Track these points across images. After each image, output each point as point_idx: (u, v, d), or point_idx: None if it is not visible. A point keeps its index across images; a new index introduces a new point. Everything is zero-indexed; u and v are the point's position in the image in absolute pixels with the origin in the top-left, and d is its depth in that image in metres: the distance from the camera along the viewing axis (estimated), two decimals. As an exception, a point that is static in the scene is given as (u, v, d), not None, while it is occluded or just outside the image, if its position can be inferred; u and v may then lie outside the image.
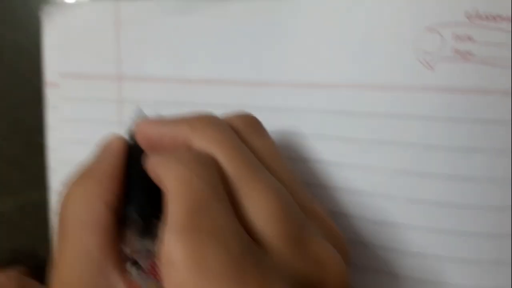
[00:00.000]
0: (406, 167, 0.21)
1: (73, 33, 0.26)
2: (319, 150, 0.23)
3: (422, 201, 0.21)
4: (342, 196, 0.23)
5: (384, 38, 0.21)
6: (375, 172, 0.22)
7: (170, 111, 0.25)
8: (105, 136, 0.21)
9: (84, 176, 0.18)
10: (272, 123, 0.23)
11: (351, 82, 0.22)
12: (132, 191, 0.18)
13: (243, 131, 0.18)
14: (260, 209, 0.15)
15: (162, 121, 0.18)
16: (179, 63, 0.25)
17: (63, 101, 0.26)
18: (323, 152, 0.23)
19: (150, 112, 0.25)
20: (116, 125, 0.26)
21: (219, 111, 0.24)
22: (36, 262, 0.29)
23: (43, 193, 0.27)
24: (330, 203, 0.23)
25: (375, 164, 0.22)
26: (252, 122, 0.19)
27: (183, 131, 0.17)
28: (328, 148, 0.23)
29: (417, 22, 0.20)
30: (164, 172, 0.16)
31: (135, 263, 0.17)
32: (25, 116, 0.29)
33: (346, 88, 0.22)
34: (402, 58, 0.21)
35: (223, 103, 0.24)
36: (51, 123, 0.27)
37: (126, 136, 0.21)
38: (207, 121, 0.18)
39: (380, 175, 0.22)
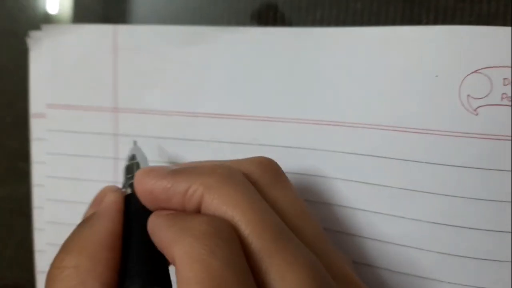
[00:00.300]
0: (440, 219, 0.19)
1: (64, 60, 0.23)
2: (344, 194, 0.20)
3: (456, 256, 0.19)
4: (367, 245, 0.20)
5: (424, 80, 0.19)
6: (405, 222, 0.19)
7: (172, 147, 0.22)
8: (99, 190, 0.18)
9: (75, 249, 0.15)
10: (287, 163, 0.21)
11: (385, 124, 0.19)
12: (133, 259, 0.15)
13: (262, 182, 0.16)
14: None
15: (168, 173, 0.15)
16: (185, 96, 0.22)
17: (49, 133, 0.23)
18: (348, 197, 0.20)
19: (150, 148, 0.22)
20: (111, 162, 0.23)
21: (227, 149, 0.22)
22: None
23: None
24: (354, 252, 0.20)
25: (406, 215, 0.19)
26: (272, 169, 0.17)
27: (195, 190, 0.15)
28: (354, 193, 0.20)
29: (463, 65, 0.18)
30: (173, 246, 0.13)
31: None
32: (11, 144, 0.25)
33: (378, 130, 0.20)
34: (444, 102, 0.18)
35: (231, 140, 0.21)
36: (36, 157, 0.23)
37: (124, 184, 0.19)
38: (223, 177, 0.15)
39: (411, 226, 0.19)
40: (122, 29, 0.22)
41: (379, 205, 0.20)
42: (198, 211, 0.15)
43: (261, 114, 0.21)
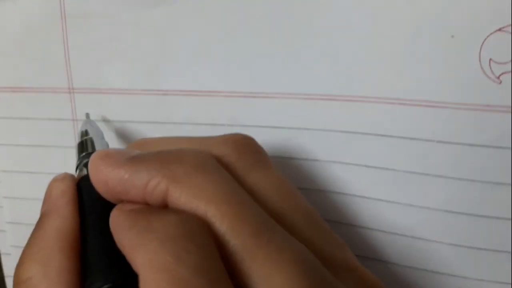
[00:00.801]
0: (454, 207, 0.16)
1: (7, 34, 0.19)
2: (342, 179, 0.18)
3: (472, 248, 0.16)
4: (369, 237, 0.18)
5: (436, 41, 0.15)
6: (412, 211, 0.17)
7: (139, 132, 0.19)
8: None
9: (27, 258, 0.13)
10: (273, 146, 0.18)
11: (389, 96, 0.16)
12: (93, 254, 0.13)
13: (239, 164, 0.14)
14: None
15: (125, 161, 0.13)
16: (150, 70, 0.18)
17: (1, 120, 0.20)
18: (346, 183, 0.18)
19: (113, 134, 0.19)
20: (73, 151, 0.20)
21: (203, 132, 0.18)
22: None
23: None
24: (354, 245, 0.18)
25: (413, 202, 0.17)
26: (250, 149, 0.14)
27: (158, 183, 0.12)
28: (353, 178, 0.17)
29: (485, 22, 0.15)
30: (135, 251, 0.11)
31: None
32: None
33: (381, 104, 0.16)
34: (461, 67, 0.15)
35: (208, 118, 0.18)
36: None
37: (78, 165, 0.16)
38: (192, 166, 0.12)
39: (420, 214, 0.17)
40: (68, -7, 0.18)
41: (382, 191, 0.17)
42: (163, 205, 0.12)
43: (241, 89, 0.18)
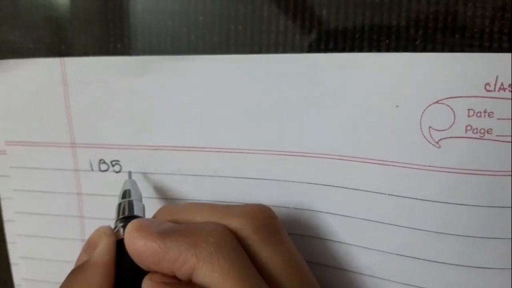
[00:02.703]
0: (404, 251, 0.18)
1: (16, 95, 0.21)
2: (312, 225, 0.19)
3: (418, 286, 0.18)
4: (334, 275, 0.20)
5: (384, 110, 0.17)
6: (370, 253, 0.19)
7: (136, 179, 0.21)
8: (67, 225, 0.17)
9: None
10: (250, 195, 0.20)
11: (349, 155, 0.18)
12: None
13: (254, 238, 0.15)
14: None
15: (157, 235, 0.15)
16: (141, 128, 0.20)
17: (12, 170, 0.22)
18: (316, 228, 0.19)
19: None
20: (75, 197, 0.22)
21: (190, 182, 0.21)
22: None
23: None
24: (320, 281, 0.20)
25: (370, 246, 0.18)
26: (266, 222, 0.16)
27: (186, 260, 0.14)
28: (322, 224, 0.19)
29: (424, 95, 0.16)
30: None
31: None
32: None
33: (343, 161, 0.18)
34: (406, 133, 0.17)
35: (193, 170, 0.20)
36: (3, 193, 0.23)
37: (116, 225, 0.18)
38: (216, 247, 0.14)
39: (377, 257, 0.19)
40: (69, 62, 0.20)
41: (346, 236, 0.19)
42: (188, 278, 0.15)
43: (221, 146, 0.20)
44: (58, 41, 0.21)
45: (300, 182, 0.19)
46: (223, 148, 0.20)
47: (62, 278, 0.22)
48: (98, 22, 0.21)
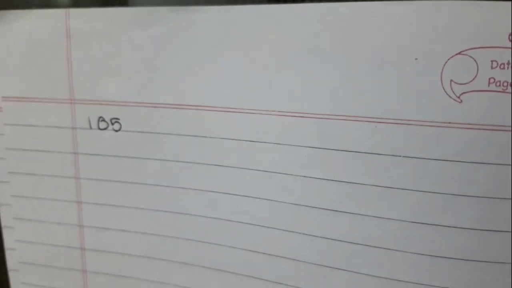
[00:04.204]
0: (418, 218, 0.16)
1: (16, 48, 0.20)
2: (310, 193, 0.18)
3: (436, 256, 0.16)
4: (338, 249, 0.18)
5: (401, 64, 0.16)
6: (379, 222, 0.17)
7: (133, 139, 0.20)
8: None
9: None
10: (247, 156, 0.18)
11: (356, 114, 0.17)
12: None
13: None
14: None
15: None
16: (144, 84, 0.19)
17: (7, 127, 0.21)
18: (315, 197, 0.18)
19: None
20: (70, 156, 0.21)
21: (186, 140, 0.19)
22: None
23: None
24: (322, 254, 0.18)
25: (380, 215, 0.17)
26: None
27: None
28: (323, 192, 0.18)
29: (446, 46, 0.15)
30: None
31: None
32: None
33: (348, 121, 0.17)
34: (425, 88, 0.16)
35: (191, 130, 0.19)
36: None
37: None
38: None
39: (386, 226, 0.17)
40: (74, 13, 0.19)
41: (351, 205, 0.17)
42: None
43: (226, 104, 0.18)
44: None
45: (303, 146, 0.18)
46: (228, 108, 0.18)
47: (56, 240, 0.21)
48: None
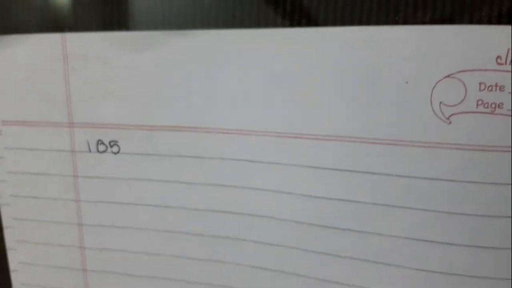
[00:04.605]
0: (413, 234, 0.17)
1: (14, 72, 0.20)
2: (311, 211, 0.18)
3: (430, 272, 0.17)
4: (338, 264, 0.19)
5: (392, 87, 0.16)
6: (376, 238, 0.18)
7: (132, 161, 0.20)
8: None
9: None
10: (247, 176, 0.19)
11: (351, 135, 0.17)
12: None
13: None
14: None
15: None
16: (141, 107, 0.19)
17: (7, 151, 0.21)
18: (315, 214, 0.18)
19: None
20: (70, 179, 0.21)
21: (187, 161, 0.20)
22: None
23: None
24: (325, 272, 0.19)
25: (377, 231, 0.17)
26: None
27: None
28: (321, 210, 0.18)
29: (435, 69, 0.16)
30: None
31: None
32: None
33: (343, 142, 0.17)
34: (415, 110, 0.16)
35: (191, 151, 0.19)
36: (-4, 175, 0.22)
37: None
38: None
39: (384, 242, 0.17)
40: (70, 37, 0.20)
41: (348, 222, 0.18)
42: None
43: (221, 125, 0.19)
44: (59, 23, 0.20)
45: (300, 165, 0.18)
46: (226, 129, 0.19)
47: (58, 262, 0.21)
48: (101, 3, 0.20)
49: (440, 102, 0.16)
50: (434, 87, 0.16)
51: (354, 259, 0.18)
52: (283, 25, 0.18)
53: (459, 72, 0.15)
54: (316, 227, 0.18)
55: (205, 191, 0.20)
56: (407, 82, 0.16)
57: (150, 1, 0.19)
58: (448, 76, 0.16)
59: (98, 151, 0.20)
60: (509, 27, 0.15)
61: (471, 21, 0.16)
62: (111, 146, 0.20)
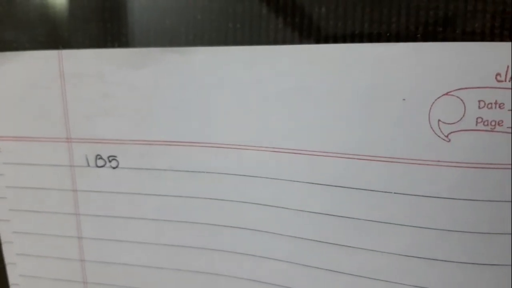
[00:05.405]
0: (411, 252, 0.17)
1: (11, 89, 0.20)
2: (308, 226, 0.18)
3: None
4: (335, 281, 0.18)
5: (390, 104, 0.16)
6: (373, 255, 0.17)
7: (131, 175, 0.20)
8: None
9: None
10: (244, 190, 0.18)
11: (349, 152, 0.17)
12: None
13: None
14: None
15: None
16: (138, 123, 0.19)
17: (6, 166, 0.21)
18: (312, 230, 0.18)
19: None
20: (69, 193, 0.21)
21: (183, 175, 0.20)
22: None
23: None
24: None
25: (375, 248, 0.17)
26: None
27: None
28: (318, 226, 0.18)
29: (433, 86, 0.15)
30: None
31: None
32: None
33: (341, 159, 0.17)
34: (413, 127, 0.16)
35: (187, 166, 0.19)
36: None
37: None
38: None
39: (381, 259, 0.17)
40: (67, 54, 0.19)
41: (346, 238, 0.18)
42: None
43: (215, 140, 0.19)
44: (55, 40, 0.20)
45: (297, 181, 0.18)
46: (222, 144, 0.19)
47: (58, 275, 0.21)
48: (95, 21, 0.20)
49: (439, 120, 0.15)
50: (432, 104, 0.15)
51: (351, 275, 0.18)
52: (278, 42, 0.17)
53: (457, 89, 0.15)
54: (312, 243, 0.18)
55: (202, 205, 0.19)
56: (404, 100, 0.16)
57: (145, 18, 0.19)
58: (446, 93, 0.15)
59: (97, 165, 0.20)
60: (508, 43, 0.15)
61: (470, 37, 0.15)
62: (110, 161, 0.20)
